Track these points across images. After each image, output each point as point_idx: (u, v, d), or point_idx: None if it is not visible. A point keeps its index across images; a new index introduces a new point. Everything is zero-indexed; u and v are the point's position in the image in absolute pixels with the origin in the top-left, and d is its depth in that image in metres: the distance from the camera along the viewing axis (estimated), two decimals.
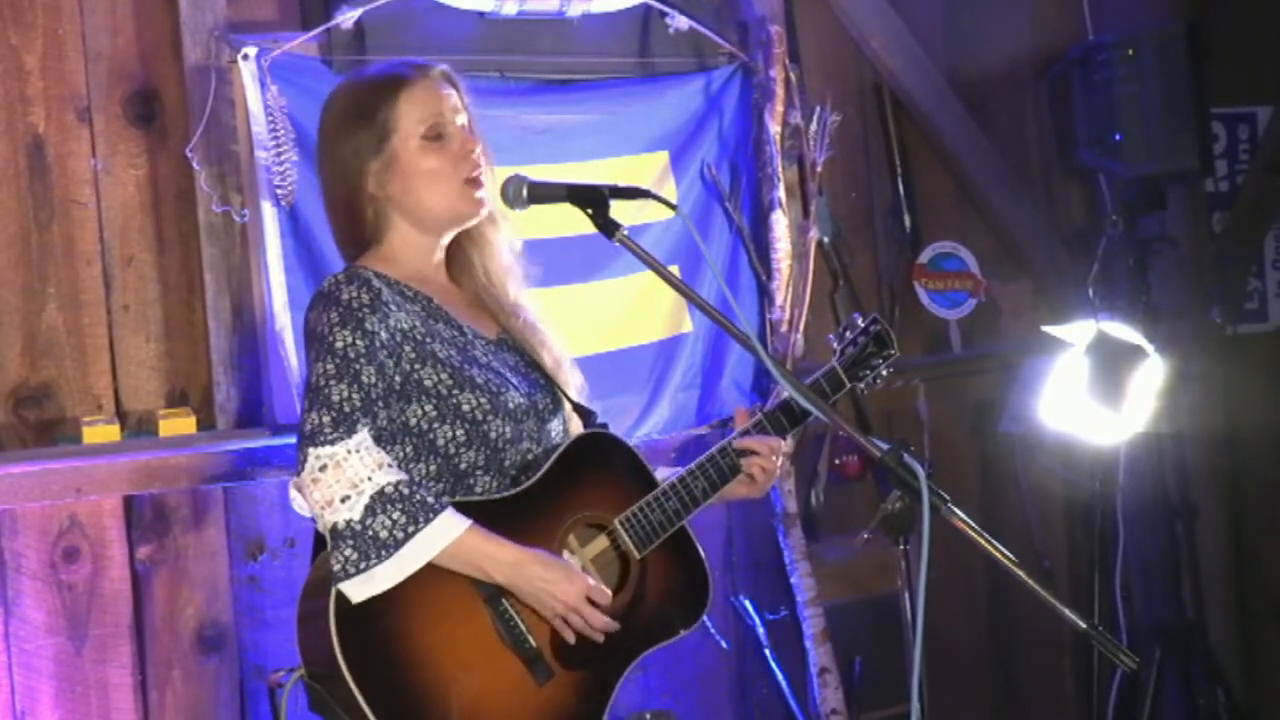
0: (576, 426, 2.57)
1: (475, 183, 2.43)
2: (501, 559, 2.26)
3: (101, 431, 3.00)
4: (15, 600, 2.93)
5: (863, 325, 2.67)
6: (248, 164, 3.13)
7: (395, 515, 2.17)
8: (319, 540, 2.34)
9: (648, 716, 3.26)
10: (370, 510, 2.17)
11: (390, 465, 2.22)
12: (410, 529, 2.18)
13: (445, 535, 2.21)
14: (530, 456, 2.43)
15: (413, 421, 2.33)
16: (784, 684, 3.74)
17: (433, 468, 2.35)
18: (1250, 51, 4.50)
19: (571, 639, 2.31)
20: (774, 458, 2.55)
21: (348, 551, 2.17)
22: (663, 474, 2.57)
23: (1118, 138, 3.98)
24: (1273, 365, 4.60)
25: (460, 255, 2.53)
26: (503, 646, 2.28)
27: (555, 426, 2.51)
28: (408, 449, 2.34)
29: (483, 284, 2.52)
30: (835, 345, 2.67)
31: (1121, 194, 4.17)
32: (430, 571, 2.22)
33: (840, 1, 3.99)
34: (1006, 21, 4.31)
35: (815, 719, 3.72)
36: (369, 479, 2.18)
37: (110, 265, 3.12)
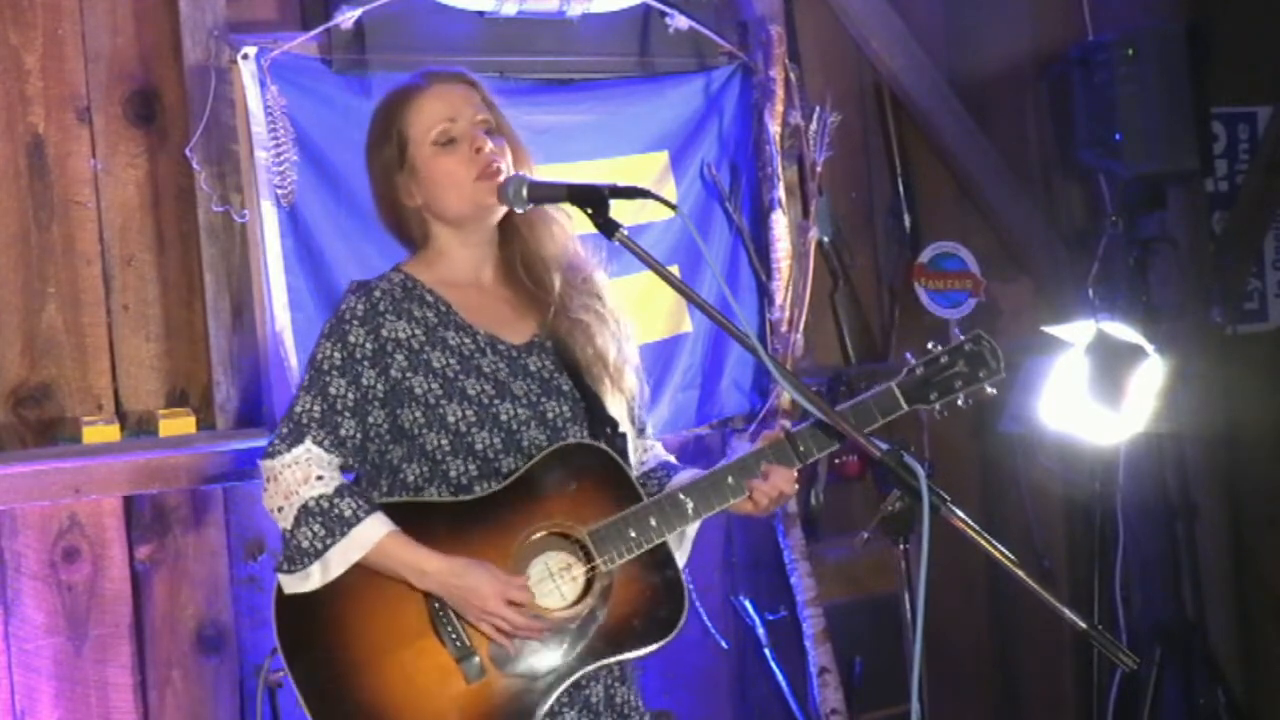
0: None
1: (488, 175, 2.43)
2: (420, 568, 2.33)
3: (101, 431, 3.00)
4: (15, 600, 2.93)
5: (958, 343, 2.49)
6: (248, 164, 3.13)
7: (315, 528, 2.33)
8: None
9: (647, 717, 3.25)
10: (298, 521, 2.33)
11: (320, 478, 2.35)
12: (328, 541, 2.32)
13: (360, 547, 2.32)
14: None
15: (405, 425, 2.39)
16: (784, 684, 3.74)
17: (425, 469, 2.39)
18: (1250, 51, 4.50)
19: (504, 641, 2.32)
20: (779, 487, 2.44)
21: (284, 553, 2.36)
22: (687, 475, 2.52)
23: (1118, 138, 3.98)
24: (1273, 365, 4.60)
25: (507, 250, 2.53)
26: (437, 643, 2.33)
27: (575, 432, 2.46)
28: (403, 450, 2.40)
29: (520, 278, 2.51)
30: (911, 360, 2.50)
31: (1121, 194, 4.17)
32: (375, 568, 2.35)
33: (840, 1, 3.99)
34: (1006, 21, 4.31)
35: (815, 719, 3.72)
36: (296, 493, 2.34)
37: (110, 265, 3.12)
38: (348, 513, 2.33)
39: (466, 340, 2.43)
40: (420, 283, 2.45)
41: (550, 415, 2.44)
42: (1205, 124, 4.06)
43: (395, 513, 2.35)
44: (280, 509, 2.35)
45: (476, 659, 2.32)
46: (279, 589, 2.36)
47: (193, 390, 3.19)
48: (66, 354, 3.07)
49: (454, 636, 2.33)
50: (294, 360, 3.09)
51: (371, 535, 2.32)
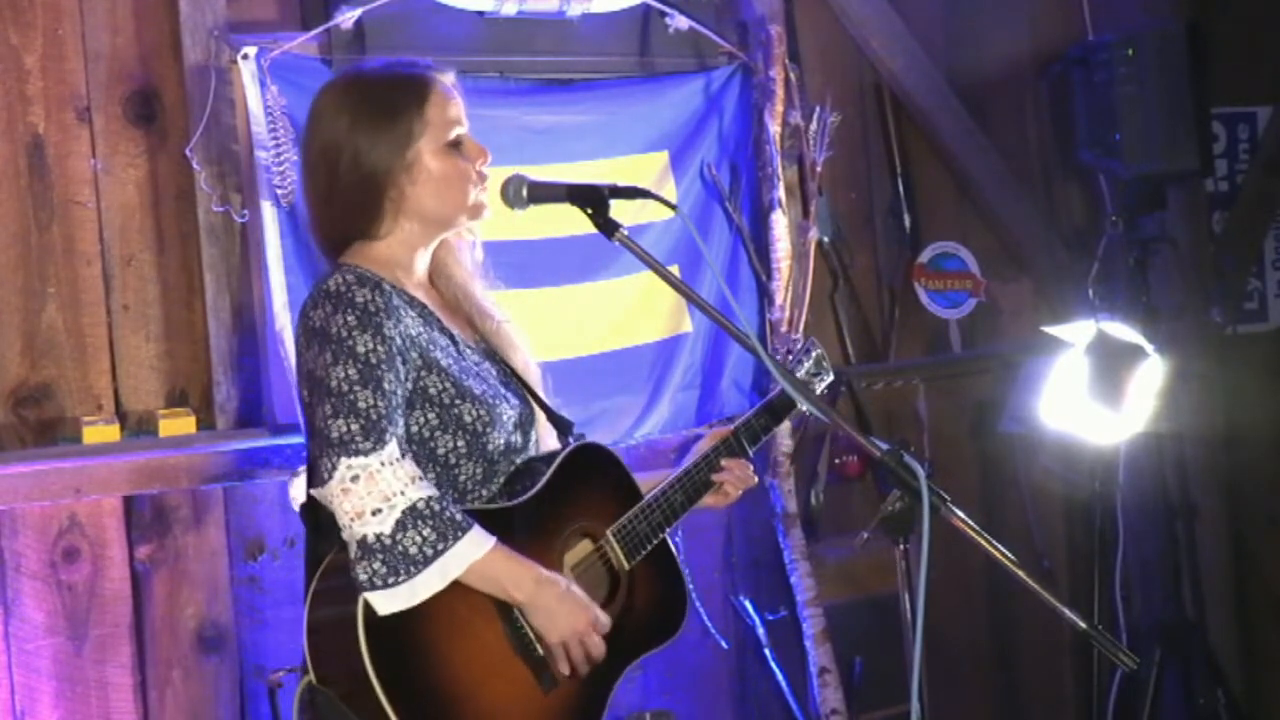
0: (547, 433, 2.57)
1: (483, 188, 2.46)
2: (525, 579, 2.26)
3: (101, 431, 3.00)
4: (15, 600, 2.93)
5: (803, 345, 2.85)
6: (248, 164, 3.13)
7: (425, 532, 2.16)
8: (316, 543, 2.32)
9: (648, 716, 3.26)
10: (401, 525, 2.16)
11: (421, 479, 2.21)
12: (440, 546, 2.17)
13: (473, 553, 2.20)
14: (513, 469, 2.43)
15: (414, 429, 2.32)
16: (784, 684, 3.74)
17: (430, 476, 2.33)
18: (1250, 51, 4.50)
19: (566, 669, 2.32)
20: (741, 480, 2.65)
21: (377, 565, 2.15)
22: (645, 478, 2.60)
23: (1118, 138, 3.98)
24: (1273, 365, 4.60)
25: (434, 262, 2.53)
26: (514, 655, 2.28)
27: (533, 436, 2.52)
28: None
29: (461, 287, 2.54)
30: (793, 358, 2.83)
31: (1121, 194, 4.17)
32: (453, 583, 2.22)
33: (840, 1, 3.99)
34: (1006, 21, 4.31)
35: (815, 719, 3.72)
36: (401, 493, 2.17)
37: (110, 265, 3.12)
38: (459, 517, 2.20)
39: (449, 341, 2.43)
40: (391, 282, 2.38)
41: (523, 417, 2.47)
42: (1205, 124, 4.06)
43: None
44: (376, 511, 2.16)
45: (549, 668, 2.30)
46: (367, 613, 2.16)
47: (193, 390, 3.19)
48: (66, 354, 3.07)
49: (533, 650, 2.29)
50: (294, 360, 3.08)
51: (485, 542, 2.22)
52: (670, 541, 2.55)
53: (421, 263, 2.49)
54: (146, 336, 3.15)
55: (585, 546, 2.45)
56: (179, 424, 3.08)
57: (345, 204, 2.42)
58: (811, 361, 2.84)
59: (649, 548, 2.48)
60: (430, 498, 2.19)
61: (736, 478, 2.63)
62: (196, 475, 3.07)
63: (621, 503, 2.49)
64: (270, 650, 3.13)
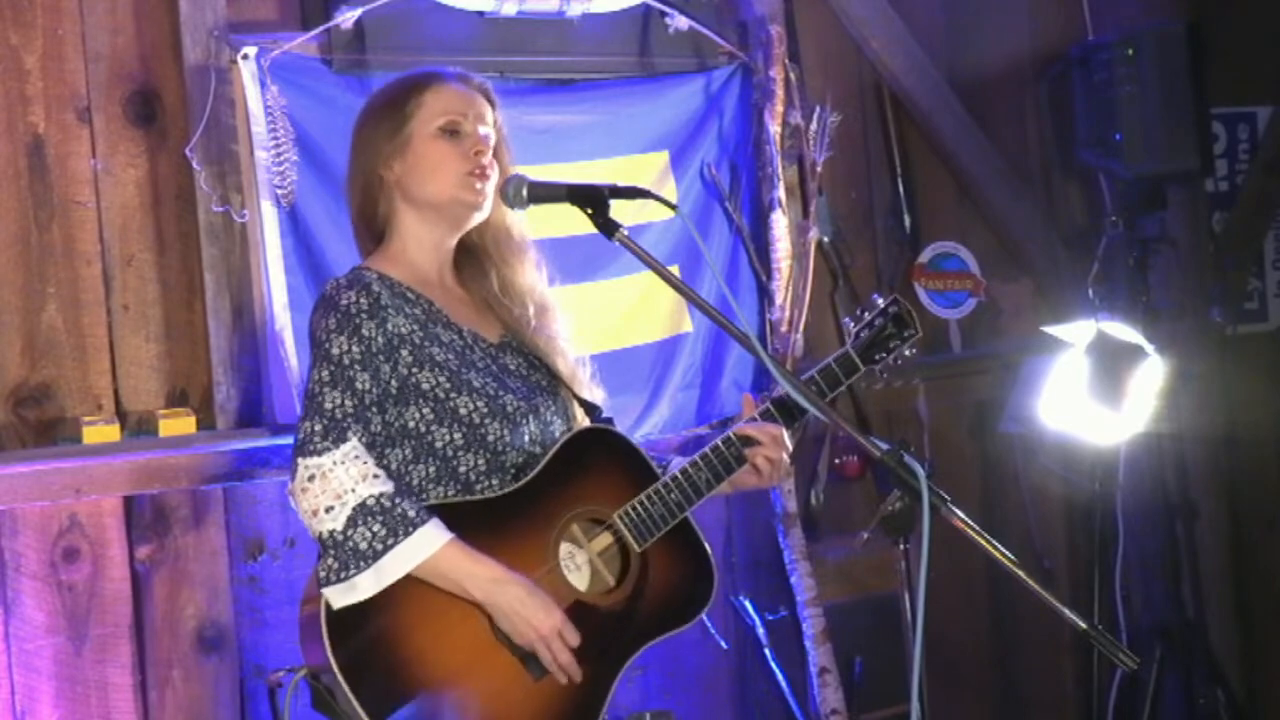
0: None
1: (479, 176, 2.46)
2: (481, 576, 2.28)
3: (101, 431, 3.00)
4: (15, 600, 2.93)
5: (881, 306, 2.65)
6: (248, 164, 3.13)
7: (375, 527, 2.22)
8: None
9: (647, 716, 3.25)
10: (352, 521, 2.22)
11: (376, 476, 2.26)
12: (390, 541, 2.22)
13: (424, 549, 2.24)
14: (533, 459, 2.44)
15: (411, 424, 2.37)
16: (784, 684, 3.74)
17: (431, 470, 2.38)
18: (1250, 51, 4.50)
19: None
20: (778, 448, 2.55)
21: (330, 560, 2.23)
22: (674, 461, 2.58)
23: (1118, 138, 3.98)
24: (1273, 365, 4.60)
25: (474, 263, 2.57)
26: (498, 643, 2.30)
27: (560, 427, 2.52)
28: (406, 451, 2.38)
29: (495, 294, 2.56)
30: (851, 327, 2.67)
31: (1121, 194, 4.17)
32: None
33: (840, 1, 3.99)
34: (1006, 21, 4.31)
35: (815, 719, 3.72)
36: (352, 490, 2.23)
37: (110, 265, 3.12)
38: (411, 513, 2.24)
39: (455, 336, 2.45)
40: (396, 280, 2.45)
41: (541, 408, 2.48)
42: (1205, 124, 4.07)
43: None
44: (329, 509, 2.23)
45: (536, 656, 2.31)
46: (326, 607, 2.23)
47: (193, 390, 3.19)
48: (66, 354, 3.07)
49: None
50: (294, 360, 3.09)
51: (436, 539, 2.25)
52: (694, 524, 2.53)
53: (434, 260, 2.52)
54: (146, 336, 3.15)
55: (592, 530, 2.44)
56: (179, 424, 3.08)
57: (359, 195, 2.52)
58: (891, 321, 2.63)
59: (665, 529, 2.45)
60: (381, 494, 2.24)
61: (769, 448, 2.52)
62: (196, 475, 3.07)
63: (633, 484, 2.47)
64: (270, 650, 3.13)
